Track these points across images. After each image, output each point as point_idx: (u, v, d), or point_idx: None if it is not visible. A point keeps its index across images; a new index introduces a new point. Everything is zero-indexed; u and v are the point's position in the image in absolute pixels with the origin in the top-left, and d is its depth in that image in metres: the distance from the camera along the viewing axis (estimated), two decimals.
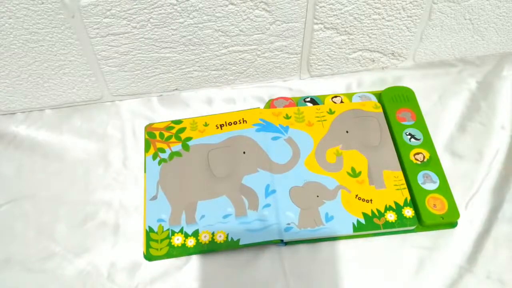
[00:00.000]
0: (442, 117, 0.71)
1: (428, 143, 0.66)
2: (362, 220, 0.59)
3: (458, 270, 0.57)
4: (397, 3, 0.66)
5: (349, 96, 0.72)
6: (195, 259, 0.58)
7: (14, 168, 0.66)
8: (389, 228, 0.58)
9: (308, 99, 0.72)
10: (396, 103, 0.70)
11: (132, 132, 0.69)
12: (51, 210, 0.62)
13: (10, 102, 0.70)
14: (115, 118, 0.71)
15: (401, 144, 0.66)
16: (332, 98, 0.72)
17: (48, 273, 0.56)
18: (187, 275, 0.57)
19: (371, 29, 0.69)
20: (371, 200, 0.61)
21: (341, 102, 0.72)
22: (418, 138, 0.66)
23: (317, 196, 0.61)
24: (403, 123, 0.68)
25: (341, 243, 0.59)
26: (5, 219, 0.61)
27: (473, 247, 0.58)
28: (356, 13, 0.66)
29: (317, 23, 0.66)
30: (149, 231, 0.60)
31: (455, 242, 0.59)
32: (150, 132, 0.69)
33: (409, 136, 0.67)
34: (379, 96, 0.72)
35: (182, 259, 0.58)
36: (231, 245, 0.58)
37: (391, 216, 0.59)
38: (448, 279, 0.56)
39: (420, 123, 0.68)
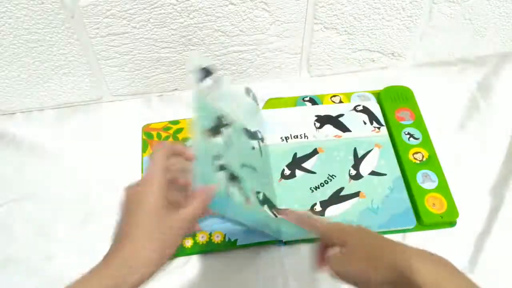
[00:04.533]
0: (442, 116, 0.71)
1: (427, 143, 0.66)
2: None
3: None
4: (397, 3, 0.66)
5: (348, 95, 0.72)
6: (194, 259, 0.58)
7: (14, 168, 0.66)
8: None
9: (307, 99, 0.72)
10: (395, 103, 0.70)
11: (132, 132, 0.69)
12: (51, 210, 0.62)
13: (10, 102, 0.70)
14: (115, 118, 0.71)
15: (400, 144, 0.66)
16: (331, 97, 0.72)
17: (48, 273, 0.56)
18: (187, 275, 0.57)
19: (371, 29, 0.69)
20: None
21: (340, 101, 0.72)
22: (417, 137, 0.66)
23: None
24: (402, 122, 0.68)
25: None
26: (5, 219, 0.61)
27: (473, 247, 0.58)
28: (356, 13, 0.66)
29: (317, 23, 0.66)
30: None
31: (455, 242, 0.59)
32: (147, 133, 0.68)
33: (408, 136, 0.67)
34: (378, 95, 0.72)
35: (182, 259, 0.58)
36: (228, 246, 0.58)
37: None
38: None
39: (419, 123, 0.68)
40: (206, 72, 0.56)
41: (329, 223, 0.48)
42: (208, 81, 0.56)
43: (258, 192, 0.59)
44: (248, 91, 0.66)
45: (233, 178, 0.53)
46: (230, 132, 0.56)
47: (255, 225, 0.57)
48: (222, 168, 0.52)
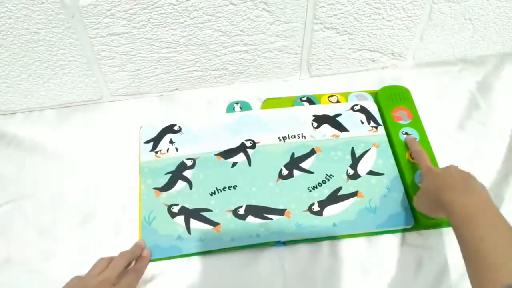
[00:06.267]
0: (441, 116, 0.71)
1: (424, 142, 0.66)
2: None
3: (458, 269, 0.57)
4: (397, 3, 0.66)
5: (345, 95, 0.73)
6: (195, 259, 0.58)
7: (14, 168, 0.66)
8: None
9: (305, 98, 0.72)
10: (392, 102, 0.70)
11: (132, 132, 0.69)
12: (51, 210, 0.62)
13: (10, 102, 0.70)
14: (115, 118, 0.71)
15: (398, 143, 0.66)
16: (329, 97, 0.72)
17: (48, 273, 0.56)
18: (187, 275, 0.57)
19: (371, 29, 0.69)
20: None
21: (337, 101, 0.72)
22: (414, 137, 0.66)
23: None
24: (399, 122, 0.68)
25: (341, 243, 0.59)
26: (5, 219, 0.61)
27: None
28: (356, 13, 0.66)
29: (317, 23, 0.66)
30: None
31: (454, 241, 0.59)
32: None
33: (405, 135, 0.67)
34: (375, 95, 0.72)
35: (182, 259, 0.58)
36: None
37: None
38: (448, 279, 0.56)
39: (416, 122, 0.68)
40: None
41: (428, 163, 0.59)
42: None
43: (238, 208, 0.60)
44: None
45: (194, 214, 0.60)
46: (195, 169, 0.64)
47: (236, 243, 0.58)
48: (180, 212, 0.60)
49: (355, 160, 0.65)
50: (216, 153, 0.65)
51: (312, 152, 0.66)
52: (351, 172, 0.64)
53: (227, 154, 0.65)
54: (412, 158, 0.64)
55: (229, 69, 0.72)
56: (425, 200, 0.56)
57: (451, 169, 0.54)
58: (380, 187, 0.62)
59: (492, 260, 0.42)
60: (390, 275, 0.57)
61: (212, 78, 0.73)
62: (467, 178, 0.52)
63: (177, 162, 0.64)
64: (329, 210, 0.61)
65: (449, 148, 0.67)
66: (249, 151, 0.66)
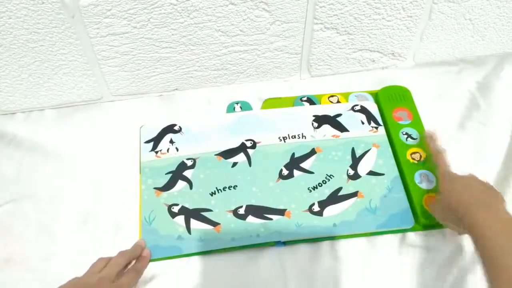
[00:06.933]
0: (441, 116, 0.71)
1: (424, 143, 0.66)
2: None
3: (458, 270, 0.57)
4: (397, 3, 0.66)
5: (346, 95, 0.73)
6: (195, 259, 0.58)
7: (14, 168, 0.66)
8: None
9: (305, 99, 0.72)
10: (393, 103, 0.70)
11: (132, 132, 0.69)
12: (51, 210, 0.62)
13: (10, 102, 0.70)
14: (115, 118, 0.71)
15: (398, 144, 0.66)
16: (329, 97, 0.72)
17: (48, 272, 0.56)
18: (187, 275, 0.57)
19: (371, 29, 0.69)
20: None
21: (338, 101, 0.72)
22: (415, 137, 0.66)
23: None
24: (400, 122, 0.68)
25: (341, 243, 0.59)
26: (5, 219, 0.61)
27: (472, 247, 0.58)
28: (356, 13, 0.66)
29: (317, 23, 0.66)
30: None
31: (456, 241, 0.59)
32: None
33: (405, 136, 0.67)
34: (375, 95, 0.72)
35: (182, 259, 0.58)
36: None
37: None
38: (448, 279, 0.56)
39: (417, 123, 0.68)
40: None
41: (446, 168, 0.58)
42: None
43: (238, 208, 0.60)
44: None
45: (195, 214, 0.60)
46: (196, 169, 0.64)
47: (236, 243, 0.58)
48: (180, 212, 0.60)
49: (356, 160, 0.65)
50: (216, 153, 0.65)
51: (313, 152, 0.66)
52: (351, 172, 0.64)
53: (228, 154, 0.65)
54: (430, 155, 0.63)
55: (229, 69, 0.72)
56: (440, 208, 0.56)
57: (472, 180, 0.53)
58: (380, 188, 0.62)
59: None
60: (390, 275, 0.57)
61: (212, 78, 0.73)
62: (489, 195, 0.51)
63: (178, 162, 0.64)
64: (329, 210, 0.61)
65: (449, 148, 0.67)
66: (250, 151, 0.66)
